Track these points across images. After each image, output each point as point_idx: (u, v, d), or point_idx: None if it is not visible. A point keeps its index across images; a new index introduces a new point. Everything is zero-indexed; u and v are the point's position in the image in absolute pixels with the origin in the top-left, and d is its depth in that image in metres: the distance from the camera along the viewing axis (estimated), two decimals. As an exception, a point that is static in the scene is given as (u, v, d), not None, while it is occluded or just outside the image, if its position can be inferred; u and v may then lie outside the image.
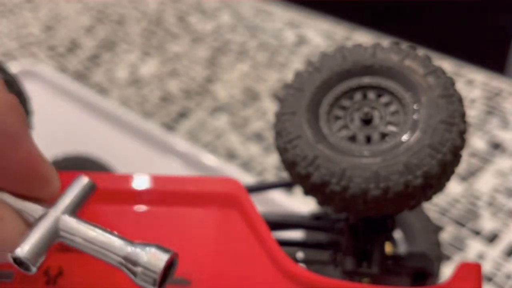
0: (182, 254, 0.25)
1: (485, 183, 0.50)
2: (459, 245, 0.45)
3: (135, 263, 0.19)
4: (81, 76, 0.68)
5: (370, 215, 0.26)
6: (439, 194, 0.26)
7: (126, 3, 0.83)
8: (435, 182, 0.24)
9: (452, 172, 0.25)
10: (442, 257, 0.34)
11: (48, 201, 0.20)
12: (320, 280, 0.23)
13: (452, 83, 0.26)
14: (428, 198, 0.25)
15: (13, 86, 0.31)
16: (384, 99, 0.27)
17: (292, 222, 0.32)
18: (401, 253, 0.34)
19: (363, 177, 0.24)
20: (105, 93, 0.64)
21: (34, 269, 0.19)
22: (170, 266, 0.19)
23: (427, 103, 0.25)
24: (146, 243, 0.19)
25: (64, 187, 0.21)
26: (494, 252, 0.44)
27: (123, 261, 0.19)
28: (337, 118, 0.27)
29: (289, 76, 0.64)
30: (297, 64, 0.68)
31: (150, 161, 0.53)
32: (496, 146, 0.54)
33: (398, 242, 0.35)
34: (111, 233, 0.19)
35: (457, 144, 0.25)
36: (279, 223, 0.31)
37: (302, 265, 0.31)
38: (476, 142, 0.55)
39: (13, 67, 0.61)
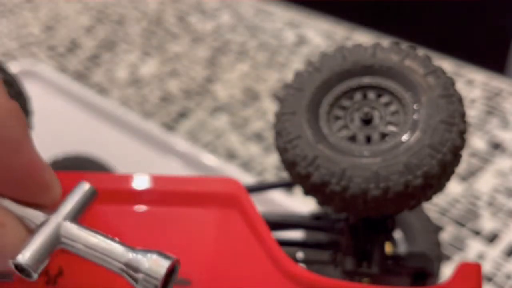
0: (182, 254, 0.24)
1: (485, 183, 0.50)
2: (459, 245, 0.45)
3: (136, 270, 0.19)
4: (81, 76, 0.68)
5: (370, 215, 0.26)
6: (439, 194, 0.26)
7: (126, 3, 0.83)
8: (435, 182, 0.24)
9: (452, 172, 0.25)
10: (442, 257, 0.34)
11: (49, 207, 0.20)
12: (320, 280, 0.23)
13: (452, 83, 0.26)
14: (428, 198, 0.25)
15: (13, 86, 0.31)
16: (384, 99, 0.27)
17: (292, 222, 0.32)
18: (401, 253, 0.34)
19: (363, 177, 0.24)
20: (105, 93, 0.64)
21: (35, 276, 0.19)
22: (171, 272, 0.19)
23: (427, 103, 0.25)
24: (147, 250, 0.19)
25: (64, 187, 0.21)
26: (494, 252, 0.44)
27: (124, 267, 0.19)
28: (337, 118, 0.27)
29: (289, 76, 0.64)
30: (297, 64, 0.68)
31: (150, 161, 0.53)
32: (496, 146, 0.54)
33: (398, 242, 0.35)
34: (112, 239, 0.19)
35: (457, 144, 0.25)
36: (279, 223, 0.31)
37: (302, 265, 0.31)
38: (476, 142, 0.55)
39: (13, 67, 0.61)
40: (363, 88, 0.27)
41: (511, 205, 0.48)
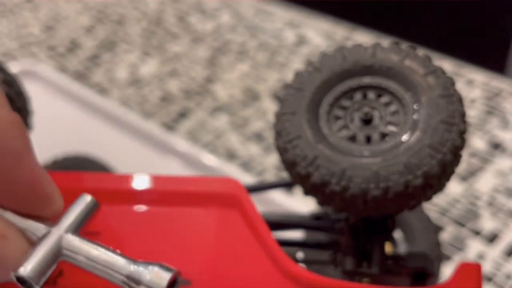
0: (182, 254, 0.25)
1: (485, 183, 0.50)
2: (459, 245, 0.45)
3: (138, 282, 0.19)
4: (81, 76, 0.68)
5: (370, 215, 0.26)
6: (439, 194, 0.26)
7: (126, 3, 0.83)
8: (435, 182, 0.24)
9: (452, 172, 0.25)
10: (442, 257, 0.34)
11: (51, 220, 0.20)
12: (320, 280, 0.23)
13: (452, 83, 0.26)
14: (428, 198, 0.25)
15: (13, 86, 0.31)
16: (384, 99, 0.27)
17: (292, 222, 0.32)
18: (401, 253, 0.34)
19: (363, 177, 0.24)
20: (105, 93, 0.64)
21: None
22: (172, 284, 0.19)
23: (427, 103, 0.25)
24: (149, 262, 0.19)
25: (65, 187, 0.21)
26: (494, 252, 0.44)
27: (126, 279, 0.19)
28: (337, 118, 0.27)
29: (289, 76, 0.64)
30: (297, 64, 0.68)
31: (150, 161, 0.53)
32: (496, 146, 0.54)
33: (398, 242, 0.35)
34: (114, 251, 0.19)
35: (457, 144, 0.25)
36: (279, 223, 0.31)
37: (302, 265, 0.31)
38: (476, 142, 0.55)
39: (13, 67, 0.61)
40: (363, 88, 0.27)
41: (511, 205, 0.48)
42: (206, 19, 0.78)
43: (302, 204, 0.45)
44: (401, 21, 0.91)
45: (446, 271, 0.39)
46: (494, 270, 0.43)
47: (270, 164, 0.53)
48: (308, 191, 0.26)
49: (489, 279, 0.42)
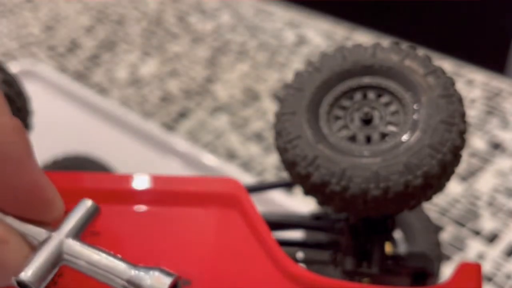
0: (182, 254, 0.24)
1: (485, 183, 0.50)
2: (459, 245, 0.45)
3: (138, 287, 0.19)
4: (81, 76, 0.68)
5: (370, 215, 0.26)
6: (439, 194, 0.26)
7: (126, 3, 0.83)
8: (435, 182, 0.24)
9: (452, 172, 0.25)
10: (442, 257, 0.34)
11: (52, 224, 0.20)
12: (320, 280, 0.23)
13: (452, 83, 0.26)
14: (428, 198, 0.25)
15: (13, 86, 0.31)
16: (384, 99, 0.27)
17: (292, 222, 0.32)
18: (401, 253, 0.34)
19: (363, 177, 0.24)
20: (105, 93, 0.64)
21: None
22: None
23: (427, 103, 0.25)
24: (149, 267, 0.19)
25: (65, 187, 0.21)
26: (494, 252, 0.44)
27: (126, 284, 0.19)
28: (337, 118, 0.27)
29: (289, 76, 0.64)
30: (297, 64, 0.68)
31: (150, 161, 0.53)
32: (496, 146, 0.54)
33: (398, 242, 0.35)
34: (114, 256, 0.19)
35: (457, 144, 0.25)
36: (279, 223, 0.31)
37: (302, 265, 0.31)
38: (476, 142, 0.55)
39: (13, 67, 0.61)
40: (363, 88, 0.27)
41: (511, 205, 0.48)
42: (206, 19, 0.78)
43: (302, 204, 0.45)
44: (401, 21, 0.91)
45: (446, 271, 0.39)
46: (494, 270, 0.43)
47: (270, 164, 0.54)
48: (308, 191, 0.26)
49: (489, 279, 0.42)
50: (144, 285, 0.19)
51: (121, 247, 0.25)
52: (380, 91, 0.27)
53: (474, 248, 0.45)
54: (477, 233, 0.46)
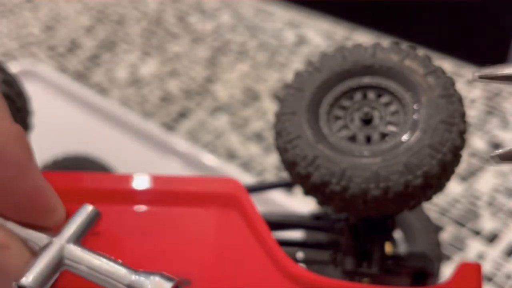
0: (182, 254, 0.24)
1: (485, 183, 0.50)
2: (459, 245, 0.45)
3: None
4: (81, 76, 0.68)
5: (370, 215, 0.26)
6: (439, 194, 0.26)
7: (126, 3, 0.83)
8: (435, 182, 0.24)
9: (452, 172, 0.25)
10: (442, 257, 0.34)
11: (53, 229, 0.20)
12: (320, 280, 0.23)
13: (452, 83, 0.26)
14: (428, 198, 0.25)
15: (13, 86, 0.31)
16: (384, 99, 0.27)
17: (292, 222, 0.32)
18: (401, 253, 0.34)
19: (363, 177, 0.24)
20: (105, 93, 0.64)
21: None
22: None
23: (427, 103, 0.25)
24: (150, 272, 0.19)
25: (65, 187, 0.21)
26: (494, 252, 0.44)
27: None
28: (337, 118, 0.27)
29: (289, 76, 0.64)
30: (297, 64, 0.68)
31: (150, 161, 0.53)
32: (496, 146, 0.54)
33: (398, 242, 0.35)
34: (115, 261, 0.19)
35: (457, 144, 0.25)
36: (279, 223, 0.31)
37: (302, 265, 0.31)
38: (476, 142, 0.55)
39: (13, 67, 0.61)
40: (363, 88, 0.27)
41: (511, 205, 0.48)
42: (206, 19, 0.78)
43: (302, 204, 0.45)
44: (401, 21, 0.91)
45: (446, 271, 0.39)
46: (494, 270, 0.43)
47: (270, 164, 0.53)
48: (308, 191, 0.26)
49: (489, 279, 0.42)
50: None
51: (121, 247, 0.25)
52: (380, 91, 0.27)
53: (474, 248, 0.45)
54: (477, 233, 0.46)
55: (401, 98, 0.26)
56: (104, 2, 0.83)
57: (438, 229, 0.35)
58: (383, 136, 0.26)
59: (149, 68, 0.69)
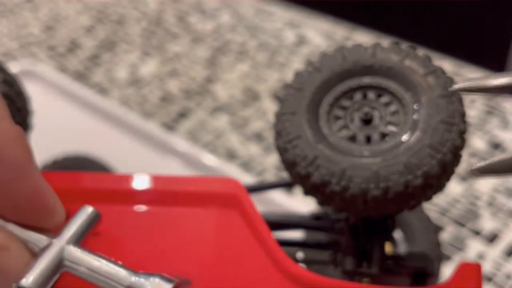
0: (182, 254, 0.24)
1: (485, 183, 0.50)
2: (459, 245, 0.45)
3: None
4: (81, 76, 0.68)
5: (370, 215, 0.26)
6: (439, 194, 0.26)
7: (126, 3, 0.83)
8: (435, 182, 0.24)
9: (452, 172, 0.25)
10: (442, 257, 0.34)
11: (52, 231, 0.20)
12: (320, 280, 0.23)
13: (452, 83, 0.26)
14: (428, 198, 0.25)
15: (13, 86, 0.31)
16: (384, 99, 0.27)
17: (292, 222, 0.32)
18: (401, 253, 0.34)
19: (363, 177, 0.24)
20: (105, 93, 0.64)
21: None
22: None
23: (427, 103, 0.25)
24: (149, 273, 0.19)
25: (65, 187, 0.21)
26: (494, 252, 0.44)
27: None
28: (337, 118, 0.27)
29: (289, 76, 0.64)
30: (297, 64, 0.68)
31: (150, 161, 0.53)
32: (496, 146, 0.54)
33: (398, 242, 0.35)
34: (115, 263, 0.19)
35: (457, 144, 0.25)
36: (279, 223, 0.31)
37: (302, 265, 0.31)
38: (476, 142, 0.55)
39: (13, 67, 0.61)
40: (363, 88, 0.27)
41: (511, 205, 0.48)
42: (206, 19, 0.78)
43: (302, 204, 0.45)
44: (401, 21, 0.91)
45: (446, 271, 0.39)
46: (494, 270, 0.43)
47: (270, 164, 0.53)
48: (308, 191, 0.26)
49: (489, 279, 0.42)
50: None
51: (121, 247, 0.25)
52: (380, 91, 0.27)
53: (474, 248, 0.45)
54: (477, 233, 0.46)
55: (401, 98, 0.26)
56: (104, 2, 0.83)
57: (438, 229, 0.35)
58: (383, 136, 0.26)
59: (149, 68, 0.69)
